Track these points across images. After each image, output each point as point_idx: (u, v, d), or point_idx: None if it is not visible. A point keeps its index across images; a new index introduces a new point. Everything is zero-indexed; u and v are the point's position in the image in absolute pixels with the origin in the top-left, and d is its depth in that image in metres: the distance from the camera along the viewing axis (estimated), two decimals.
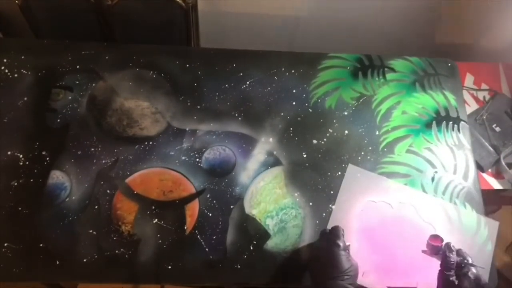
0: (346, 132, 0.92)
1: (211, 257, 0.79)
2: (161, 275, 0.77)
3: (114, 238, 0.78)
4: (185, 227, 0.81)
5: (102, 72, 0.92)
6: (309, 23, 1.34)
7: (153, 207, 0.81)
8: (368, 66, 1.00)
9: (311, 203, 0.84)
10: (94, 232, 0.78)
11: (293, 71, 0.97)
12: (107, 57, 0.94)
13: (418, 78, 1.00)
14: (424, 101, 0.97)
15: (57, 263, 0.76)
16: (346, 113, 0.94)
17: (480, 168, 1.01)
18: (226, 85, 0.94)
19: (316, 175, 0.87)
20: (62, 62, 0.92)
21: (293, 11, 1.29)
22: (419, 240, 0.81)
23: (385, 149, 0.91)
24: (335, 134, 0.91)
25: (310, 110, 0.93)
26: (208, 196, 0.83)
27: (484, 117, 1.07)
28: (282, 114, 0.92)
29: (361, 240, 0.81)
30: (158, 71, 0.94)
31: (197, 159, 0.86)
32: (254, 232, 0.81)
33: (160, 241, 0.79)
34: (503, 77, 1.15)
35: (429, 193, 0.87)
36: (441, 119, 0.96)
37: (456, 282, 0.66)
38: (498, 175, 1.03)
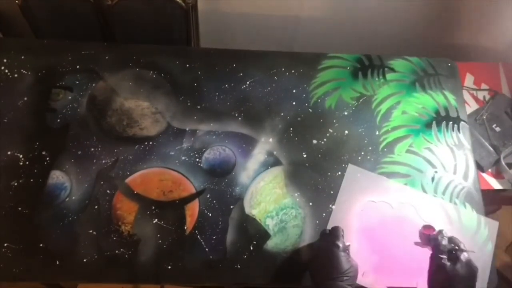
0: (346, 132, 0.92)
1: (211, 257, 0.79)
2: (161, 275, 0.77)
3: (114, 238, 0.78)
4: (185, 227, 0.81)
5: (102, 72, 0.92)
6: (309, 23, 1.34)
7: (153, 207, 0.81)
8: (368, 66, 1.00)
9: (311, 203, 0.84)
10: (94, 232, 0.78)
11: (293, 71, 0.97)
12: (107, 57, 0.94)
13: (418, 78, 1.00)
14: (424, 101, 0.97)
15: (57, 263, 0.76)
16: (346, 113, 0.94)
17: (480, 168, 1.01)
18: (226, 85, 0.94)
19: (316, 175, 0.87)
20: (62, 62, 0.92)
21: (293, 11, 1.29)
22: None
23: (385, 149, 0.91)
24: (335, 134, 0.91)
25: (310, 110, 0.93)
26: (208, 196, 0.83)
27: (484, 117, 1.07)
28: (282, 114, 0.92)
29: (361, 240, 0.81)
30: (158, 71, 0.94)
31: (197, 159, 0.86)
32: (254, 232, 0.81)
33: (160, 241, 0.79)
34: (503, 77, 1.15)
35: (429, 193, 0.87)
36: (441, 119, 0.96)
37: (448, 265, 0.67)
38: (498, 175, 1.03)
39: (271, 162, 0.87)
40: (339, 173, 0.87)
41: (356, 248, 0.80)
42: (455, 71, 1.02)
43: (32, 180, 0.81)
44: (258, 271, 0.79)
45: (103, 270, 0.76)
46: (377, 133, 0.92)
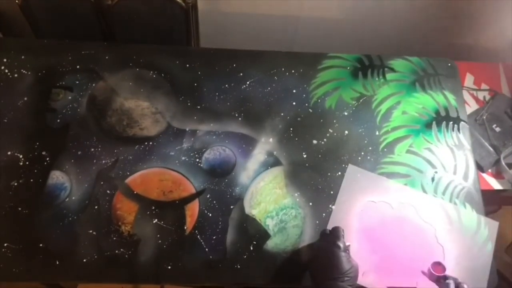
0: (346, 132, 0.91)
1: (211, 257, 0.79)
2: (161, 275, 0.77)
3: (114, 238, 0.78)
4: (185, 227, 0.81)
5: (102, 72, 0.92)
6: (309, 23, 1.34)
7: (153, 207, 0.81)
8: (368, 66, 1.00)
9: (311, 203, 0.84)
10: (94, 232, 0.78)
11: (293, 71, 0.97)
12: (107, 57, 0.94)
13: (418, 78, 1.00)
14: (424, 101, 0.97)
15: (57, 263, 0.76)
16: (346, 113, 0.94)
17: (480, 168, 1.01)
18: (226, 85, 0.94)
19: (316, 175, 0.87)
20: (62, 62, 0.92)
21: (293, 11, 1.29)
22: (419, 240, 0.81)
23: (385, 149, 0.91)
24: (335, 134, 0.91)
25: (310, 110, 0.93)
26: (208, 196, 0.83)
27: (484, 117, 1.07)
28: (282, 114, 0.92)
29: (361, 240, 0.81)
30: (158, 71, 0.94)
31: (197, 159, 0.86)
32: (254, 232, 0.81)
33: (160, 241, 0.79)
34: (503, 77, 1.15)
35: (429, 193, 0.87)
36: (441, 119, 0.96)
37: None
38: (498, 175, 1.03)
39: (271, 162, 0.87)
40: (339, 173, 0.87)
41: (356, 248, 0.80)
42: (455, 71, 1.02)
43: (32, 180, 0.81)
44: (258, 271, 0.79)
45: (103, 270, 0.76)
46: (377, 133, 0.92)
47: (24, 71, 0.90)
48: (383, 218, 0.84)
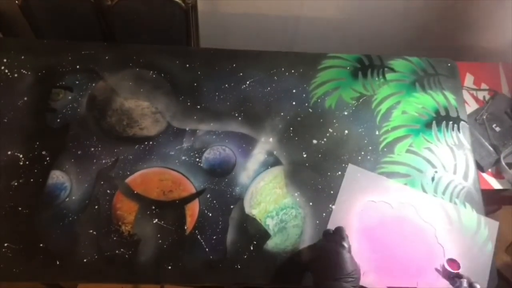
0: (346, 132, 0.92)
1: (211, 257, 0.79)
2: (161, 275, 0.77)
3: (114, 238, 0.78)
4: (185, 227, 0.81)
5: (102, 72, 0.92)
6: (309, 23, 1.34)
7: (153, 207, 0.81)
8: (368, 66, 1.00)
9: (311, 203, 0.84)
10: (94, 232, 0.78)
11: (293, 71, 0.97)
12: (107, 57, 0.94)
13: (418, 78, 1.00)
14: (424, 101, 0.97)
15: (57, 263, 0.76)
16: (346, 113, 0.94)
17: (480, 168, 1.01)
18: (226, 85, 0.94)
19: (316, 175, 0.87)
20: (62, 62, 0.92)
21: (293, 11, 1.30)
22: (419, 240, 0.81)
23: (385, 149, 0.91)
24: (335, 134, 0.91)
25: (310, 110, 0.93)
26: (208, 196, 0.83)
27: (484, 117, 1.07)
28: (282, 114, 0.92)
29: (361, 240, 0.81)
30: (158, 71, 0.94)
31: (197, 159, 0.86)
32: (254, 232, 0.81)
33: (160, 241, 0.79)
34: (503, 77, 1.15)
35: (429, 193, 0.87)
36: (441, 119, 0.96)
37: None
38: (498, 175, 1.03)
39: (271, 162, 0.87)
40: (339, 173, 0.87)
41: (356, 248, 0.80)
42: (455, 71, 1.02)
43: (32, 180, 0.81)
44: (258, 271, 0.79)
45: (103, 270, 0.76)
46: (377, 133, 0.92)
47: (24, 71, 0.90)
48: (383, 218, 0.84)
